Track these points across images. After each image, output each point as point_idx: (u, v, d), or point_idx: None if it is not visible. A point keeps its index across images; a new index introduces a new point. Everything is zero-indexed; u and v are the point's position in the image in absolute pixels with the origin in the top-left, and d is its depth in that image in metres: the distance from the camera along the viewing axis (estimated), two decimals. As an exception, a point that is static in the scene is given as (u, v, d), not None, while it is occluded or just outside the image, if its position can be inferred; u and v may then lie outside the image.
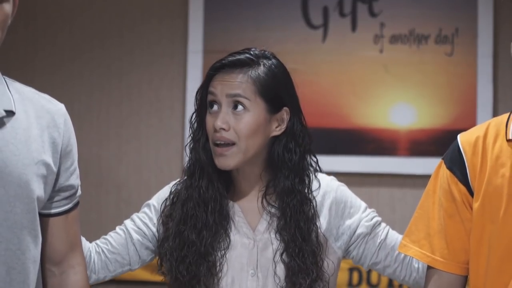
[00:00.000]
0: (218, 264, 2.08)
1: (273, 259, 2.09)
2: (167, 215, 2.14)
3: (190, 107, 4.12)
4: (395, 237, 2.18)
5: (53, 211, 1.91)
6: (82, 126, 4.18)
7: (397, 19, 4.10)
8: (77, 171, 1.95)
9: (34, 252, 1.82)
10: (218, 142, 2.07)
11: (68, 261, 1.95)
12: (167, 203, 2.16)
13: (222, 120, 2.06)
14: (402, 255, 2.16)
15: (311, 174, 2.15)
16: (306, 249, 2.07)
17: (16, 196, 1.77)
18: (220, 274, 2.08)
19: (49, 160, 1.84)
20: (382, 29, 4.10)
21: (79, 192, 1.97)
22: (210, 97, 2.11)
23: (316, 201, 2.13)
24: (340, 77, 4.11)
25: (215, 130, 2.07)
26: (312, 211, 2.11)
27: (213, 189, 2.10)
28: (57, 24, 4.30)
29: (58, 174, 1.88)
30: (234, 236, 2.11)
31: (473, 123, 3.90)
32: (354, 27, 4.13)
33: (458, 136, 1.92)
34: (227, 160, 2.07)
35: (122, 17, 4.28)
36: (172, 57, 4.24)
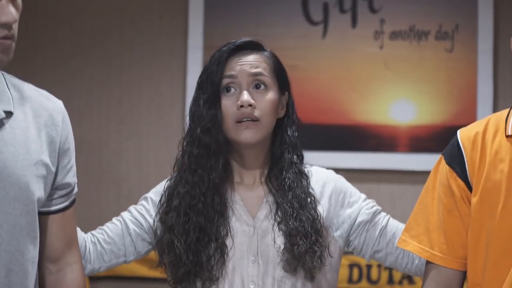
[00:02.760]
0: (225, 250, 2.09)
1: (272, 228, 2.11)
2: (166, 211, 2.15)
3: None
4: (395, 224, 2.20)
5: (52, 208, 1.90)
6: (82, 122, 4.18)
7: (397, 15, 4.10)
8: (74, 169, 1.93)
9: (32, 253, 1.82)
10: (245, 119, 2.10)
11: (65, 259, 1.94)
12: (163, 200, 2.17)
13: (249, 96, 2.11)
14: None
15: (302, 154, 2.21)
16: (304, 215, 2.11)
17: (15, 198, 1.76)
18: (225, 260, 2.09)
19: (47, 160, 1.83)
20: (382, 25, 4.10)
21: (75, 190, 1.96)
22: (226, 81, 2.13)
23: (309, 178, 2.17)
24: (340, 73, 4.11)
25: (241, 107, 2.09)
26: (307, 183, 2.16)
27: (220, 172, 2.12)
28: (57, 21, 4.30)
29: (56, 173, 1.87)
30: (234, 224, 2.12)
31: (473, 120, 3.90)
32: (354, 23, 4.13)
33: (458, 132, 1.92)
34: (253, 133, 2.10)
35: (122, 13, 4.28)
36: (172, 53, 4.24)
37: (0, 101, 1.78)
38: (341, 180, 2.23)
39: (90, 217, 4.01)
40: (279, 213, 2.12)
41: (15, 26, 1.75)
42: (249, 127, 2.10)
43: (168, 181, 2.20)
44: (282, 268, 2.09)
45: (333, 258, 2.15)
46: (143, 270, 3.98)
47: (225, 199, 2.13)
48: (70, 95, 4.15)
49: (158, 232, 2.16)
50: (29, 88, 1.89)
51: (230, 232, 2.11)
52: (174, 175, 2.19)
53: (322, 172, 2.23)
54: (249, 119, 2.10)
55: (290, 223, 2.09)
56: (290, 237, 2.08)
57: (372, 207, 2.21)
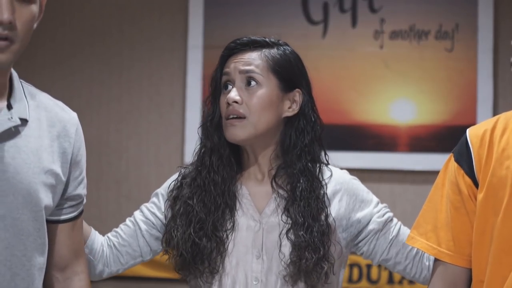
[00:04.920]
0: (222, 244, 2.09)
1: (279, 236, 2.08)
2: (175, 196, 2.16)
3: (190, 102, 4.16)
4: (406, 233, 2.15)
5: (61, 217, 1.92)
6: (82, 121, 4.14)
7: (397, 14, 4.10)
8: (85, 181, 1.97)
9: (39, 259, 1.82)
10: (231, 116, 2.10)
11: (73, 268, 1.96)
12: (176, 184, 2.18)
13: (235, 93, 2.10)
14: (414, 252, 2.16)
15: (321, 157, 2.17)
16: (315, 227, 2.07)
17: (24, 204, 1.77)
18: (224, 255, 2.08)
19: (58, 170, 1.85)
20: (382, 24, 4.11)
21: (84, 201, 1.99)
22: (224, 78, 2.15)
23: (326, 185, 2.14)
24: (340, 73, 4.12)
25: (228, 104, 2.10)
26: (322, 192, 2.12)
27: (223, 169, 2.13)
28: (57, 19, 4.30)
29: (67, 184, 1.89)
30: (240, 218, 2.12)
31: (473, 119, 3.91)
32: (354, 22, 4.13)
33: (467, 130, 1.93)
34: (237, 130, 2.09)
35: (122, 12, 4.28)
36: (172, 52, 4.24)
37: (17, 108, 1.79)
38: (353, 181, 2.20)
39: (90, 217, 3.99)
40: (288, 213, 2.09)
41: (19, 27, 1.72)
42: (233, 124, 2.10)
43: (183, 169, 2.21)
44: (283, 277, 2.08)
45: (336, 264, 2.14)
46: (145, 270, 3.98)
47: (232, 193, 2.13)
48: (70, 94, 4.15)
49: (168, 216, 2.17)
50: (45, 98, 1.90)
51: (235, 226, 2.10)
52: (189, 164, 2.21)
53: (335, 173, 2.19)
54: (235, 116, 2.10)
55: (300, 234, 2.06)
56: (298, 250, 2.06)
57: (384, 215, 2.17)
